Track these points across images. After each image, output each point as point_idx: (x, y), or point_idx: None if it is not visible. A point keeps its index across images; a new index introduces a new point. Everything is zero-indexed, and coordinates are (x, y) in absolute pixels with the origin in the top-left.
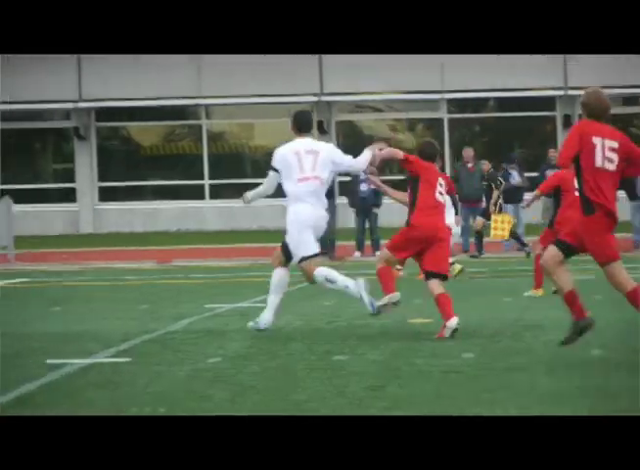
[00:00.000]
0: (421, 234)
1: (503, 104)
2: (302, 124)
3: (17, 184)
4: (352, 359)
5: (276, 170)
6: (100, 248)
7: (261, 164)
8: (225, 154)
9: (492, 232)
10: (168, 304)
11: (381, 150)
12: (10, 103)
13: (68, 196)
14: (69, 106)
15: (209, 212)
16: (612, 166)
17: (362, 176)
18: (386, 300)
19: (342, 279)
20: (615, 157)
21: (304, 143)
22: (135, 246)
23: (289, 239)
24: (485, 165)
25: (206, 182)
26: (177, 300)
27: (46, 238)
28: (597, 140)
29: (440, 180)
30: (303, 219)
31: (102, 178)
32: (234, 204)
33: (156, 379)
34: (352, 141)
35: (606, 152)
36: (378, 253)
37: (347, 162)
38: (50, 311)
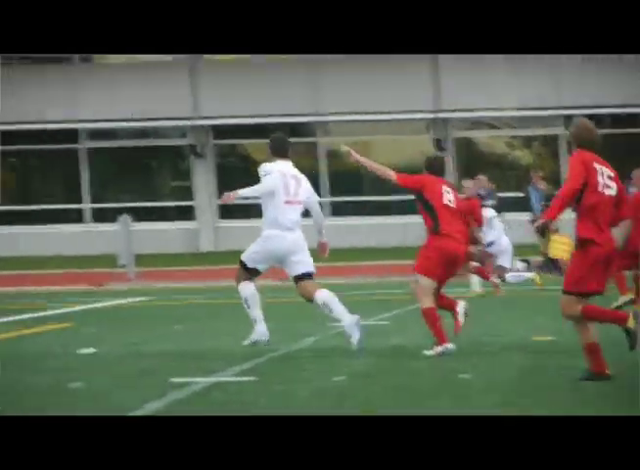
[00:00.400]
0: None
1: (618, 120)
2: (280, 149)
3: (135, 202)
4: (477, 377)
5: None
6: (220, 266)
7: (378, 182)
8: (342, 171)
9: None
10: (293, 321)
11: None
12: (127, 120)
13: (187, 214)
14: (187, 123)
15: (328, 230)
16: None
17: None
18: (440, 351)
19: (339, 311)
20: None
21: (289, 167)
22: None
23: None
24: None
25: (326, 199)
26: (301, 317)
27: (165, 256)
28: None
29: (445, 187)
30: (272, 243)
31: (220, 196)
32: (352, 221)
33: (279, 398)
34: (469, 158)
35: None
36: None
37: (315, 198)
38: (172, 330)
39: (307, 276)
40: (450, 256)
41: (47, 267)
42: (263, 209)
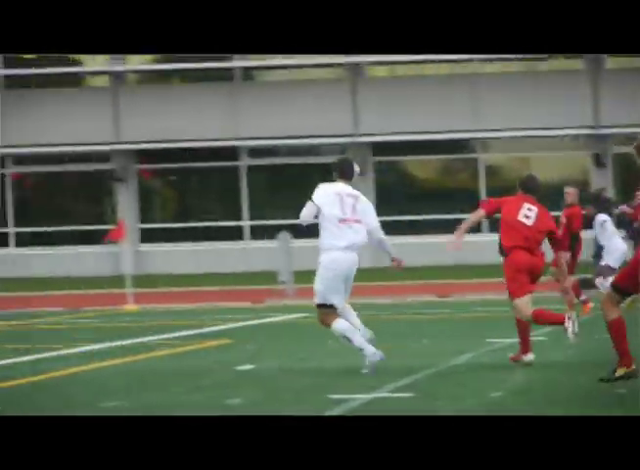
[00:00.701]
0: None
1: None
2: (346, 171)
3: (293, 219)
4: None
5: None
6: (380, 282)
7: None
8: (502, 188)
9: None
10: (449, 338)
11: None
12: (287, 138)
13: None
14: (347, 140)
15: (488, 246)
16: None
17: None
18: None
19: (358, 344)
20: None
21: (347, 187)
22: (413, 279)
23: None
24: None
25: None
26: (458, 333)
27: None
28: None
29: (528, 205)
30: (335, 267)
31: (380, 213)
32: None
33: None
34: (629, 174)
35: None
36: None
37: (375, 222)
38: (330, 346)
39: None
40: (521, 267)
41: (203, 284)
42: (320, 229)
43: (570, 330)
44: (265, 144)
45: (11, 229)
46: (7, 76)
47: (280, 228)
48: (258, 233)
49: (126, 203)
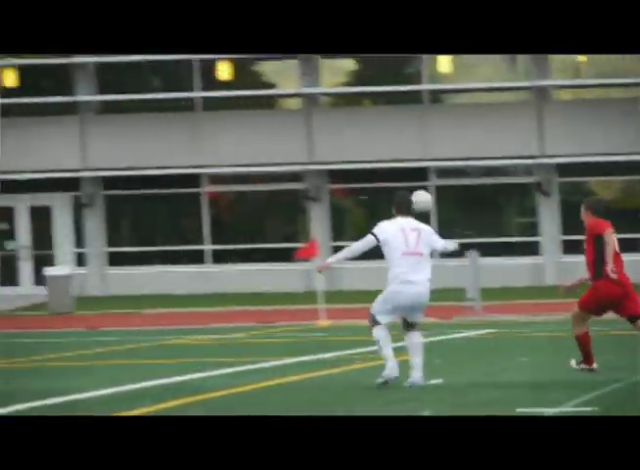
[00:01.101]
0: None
1: None
2: (400, 206)
3: (482, 238)
4: None
5: (376, 238)
6: (561, 299)
7: None
8: None
9: None
10: (628, 352)
11: None
12: (474, 159)
13: (532, 249)
14: (533, 162)
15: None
16: None
17: None
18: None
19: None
20: None
21: (408, 221)
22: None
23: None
24: None
25: None
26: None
27: (510, 290)
28: None
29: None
30: (395, 298)
31: (567, 232)
32: None
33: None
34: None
35: None
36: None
37: (440, 242)
38: (517, 362)
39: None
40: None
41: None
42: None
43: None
44: (454, 165)
45: (207, 246)
46: (205, 98)
47: (468, 247)
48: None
49: (318, 221)
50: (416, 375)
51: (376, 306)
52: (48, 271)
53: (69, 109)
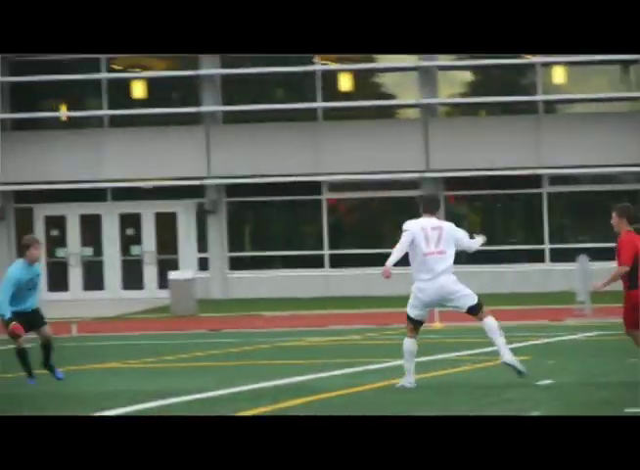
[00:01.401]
0: None
1: None
2: (427, 206)
3: (592, 243)
4: None
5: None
6: None
7: None
8: None
9: None
10: None
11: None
12: (586, 167)
13: None
14: (635, 169)
15: None
16: None
17: None
18: None
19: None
20: None
21: (431, 221)
22: None
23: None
24: None
25: None
26: None
27: (617, 293)
28: None
29: None
30: (421, 296)
31: None
32: None
33: None
34: None
35: None
36: None
37: (466, 240)
38: (628, 362)
39: (475, 309)
40: None
41: (505, 304)
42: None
43: None
44: (567, 173)
45: (326, 251)
46: (326, 109)
47: (579, 251)
48: (558, 256)
49: (216, 233)
50: (504, 353)
51: (409, 309)
52: (172, 275)
53: (195, 119)
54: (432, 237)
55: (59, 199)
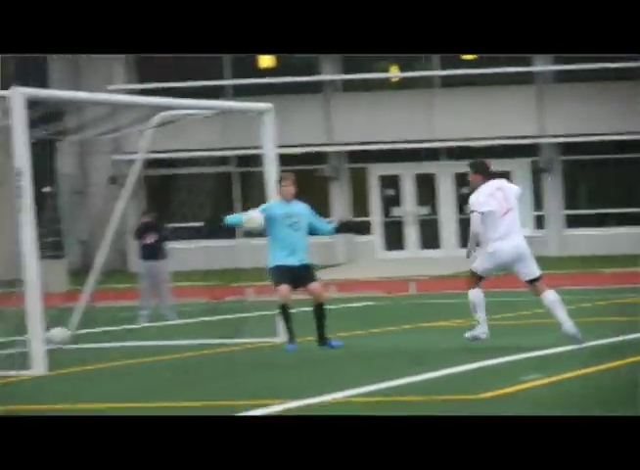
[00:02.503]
0: None
1: None
2: (481, 171)
3: None
4: None
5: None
6: None
7: None
8: None
9: None
10: None
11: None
12: None
13: None
14: None
15: None
16: None
17: None
18: None
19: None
20: None
21: (492, 183)
22: None
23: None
24: None
25: None
26: None
27: None
28: None
29: None
30: (495, 258)
31: None
32: None
33: None
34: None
35: None
36: None
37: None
38: None
39: (534, 281)
40: None
41: None
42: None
43: None
44: None
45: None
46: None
47: None
48: None
49: (551, 192)
50: (565, 326)
51: (478, 266)
52: None
53: (526, 79)
54: (499, 197)
55: (392, 159)
